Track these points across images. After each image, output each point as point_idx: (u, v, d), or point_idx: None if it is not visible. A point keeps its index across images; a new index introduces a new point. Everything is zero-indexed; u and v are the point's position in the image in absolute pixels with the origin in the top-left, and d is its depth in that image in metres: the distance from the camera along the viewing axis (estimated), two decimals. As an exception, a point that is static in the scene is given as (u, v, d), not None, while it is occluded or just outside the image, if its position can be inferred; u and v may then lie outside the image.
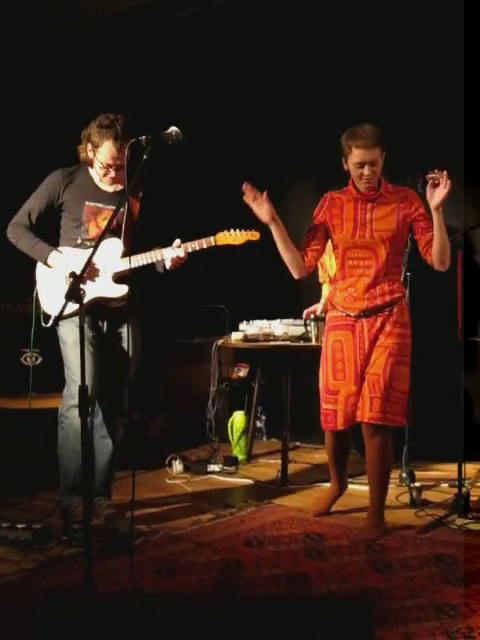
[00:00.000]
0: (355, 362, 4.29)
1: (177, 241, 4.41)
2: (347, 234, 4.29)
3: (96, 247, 3.27)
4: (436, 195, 4.05)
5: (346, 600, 3.43)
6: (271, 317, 6.05)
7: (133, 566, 3.55)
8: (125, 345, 4.50)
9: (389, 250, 4.27)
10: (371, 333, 4.27)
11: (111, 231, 4.32)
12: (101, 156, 4.41)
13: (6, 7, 6.22)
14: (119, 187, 4.54)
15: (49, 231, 4.56)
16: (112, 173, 4.44)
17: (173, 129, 3.67)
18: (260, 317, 6.12)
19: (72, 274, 3.14)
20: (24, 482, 4.87)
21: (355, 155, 4.19)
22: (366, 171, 4.20)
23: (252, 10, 6.51)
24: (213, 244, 4.39)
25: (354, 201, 4.32)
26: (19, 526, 4.21)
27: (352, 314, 4.30)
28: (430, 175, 4.06)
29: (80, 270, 3.27)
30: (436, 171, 4.05)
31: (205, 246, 4.40)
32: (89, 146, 4.45)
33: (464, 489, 4.64)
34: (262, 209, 4.22)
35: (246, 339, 6.05)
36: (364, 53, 6.21)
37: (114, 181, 4.49)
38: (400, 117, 5.98)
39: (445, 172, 4.03)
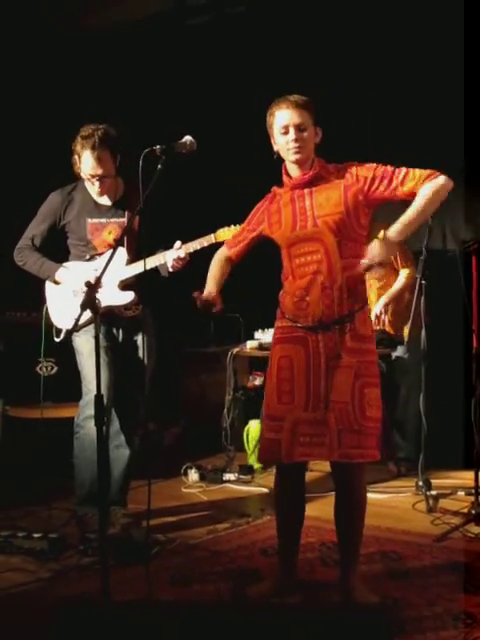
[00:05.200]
0: (307, 384, 3.44)
1: (178, 243, 4.44)
2: (286, 228, 3.53)
3: (110, 258, 3.28)
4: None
5: (364, 609, 3.43)
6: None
7: (149, 575, 3.54)
8: (140, 354, 4.52)
9: (340, 237, 3.44)
10: (329, 348, 3.43)
11: (116, 241, 4.38)
12: (84, 166, 4.46)
13: (12, 18, 6.28)
14: (117, 196, 4.60)
15: (56, 249, 4.60)
16: (97, 184, 4.48)
17: (187, 138, 3.61)
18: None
19: (87, 283, 3.15)
20: (41, 491, 4.87)
21: (278, 118, 3.51)
22: (292, 135, 3.47)
23: (260, 20, 6.56)
24: (213, 241, 4.41)
25: (291, 191, 3.57)
26: (35, 535, 4.23)
27: (302, 324, 3.48)
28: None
29: (94, 280, 3.28)
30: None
31: (205, 244, 4.41)
32: (75, 158, 4.50)
33: (481, 497, 4.63)
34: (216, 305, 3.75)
35: (261, 347, 6.05)
36: (370, 60, 6.25)
37: (102, 192, 4.53)
38: (402, 121, 6.05)
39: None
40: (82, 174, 4.50)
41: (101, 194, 4.54)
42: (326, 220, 3.46)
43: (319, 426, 3.41)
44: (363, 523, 3.59)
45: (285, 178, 3.60)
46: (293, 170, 3.56)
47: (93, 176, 4.45)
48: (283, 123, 3.49)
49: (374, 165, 3.50)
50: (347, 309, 3.45)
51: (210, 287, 3.82)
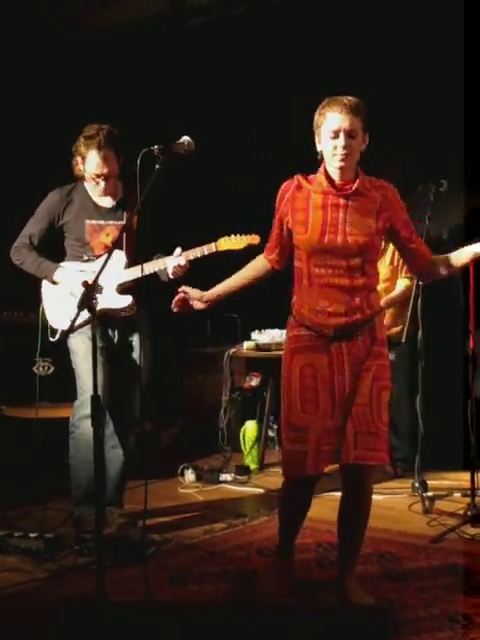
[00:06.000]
0: (332, 392, 3.40)
1: (178, 250, 4.43)
2: (313, 236, 3.40)
3: (108, 258, 3.28)
4: None
5: (360, 611, 3.43)
6: (283, 326, 6.02)
7: (146, 575, 3.54)
8: (136, 355, 4.52)
9: (364, 258, 3.41)
10: (352, 355, 3.40)
11: (113, 243, 4.38)
12: (88, 167, 4.45)
13: (12, 18, 6.28)
14: (116, 199, 4.59)
15: (52, 250, 4.59)
16: (102, 184, 4.47)
17: (185, 139, 3.61)
18: (272, 326, 6.11)
19: (84, 283, 3.15)
20: (37, 491, 4.87)
21: (329, 120, 3.36)
22: (341, 141, 3.34)
23: (260, 21, 6.57)
24: (214, 250, 4.42)
25: (323, 194, 3.43)
26: (31, 535, 4.22)
27: (326, 333, 3.42)
28: None
29: (92, 281, 3.28)
30: None
31: (206, 253, 4.41)
32: (79, 159, 4.49)
33: (477, 498, 4.63)
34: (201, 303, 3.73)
35: (258, 348, 6.06)
36: (370, 60, 6.26)
37: (106, 192, 4.52)
38: (402, 121, 6.12)
39: None
40: (86, 174, 4.48)
41: (105, 194, 4.53)
42: (357, 240, 3.39)
43: (340, 432, 3.39)
44: (366, 526, 3.59)
45: (322, 177, 3.44)
46: (334, 174, 3.43)
47: (98, 176, 4.44)
48: (334, 127, 3.35)
49: (405, 206, 3.51)
50: (370, 315, 3.44)
51: (216, 290, 3.75)
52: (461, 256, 3.46)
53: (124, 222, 4.48)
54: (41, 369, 5.57)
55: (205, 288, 3.79)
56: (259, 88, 6.78)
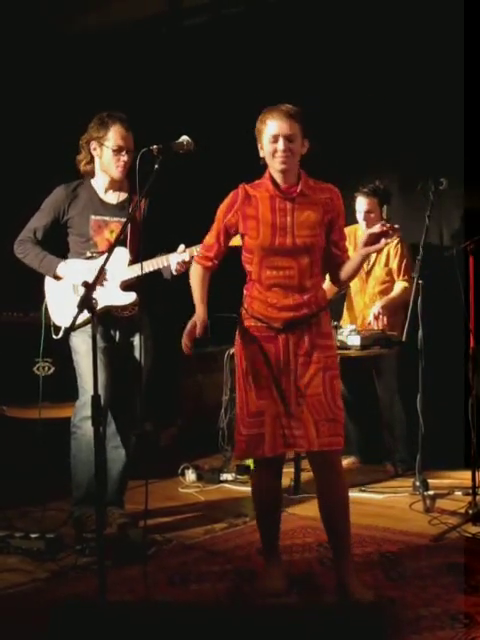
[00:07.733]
0: (279, 380, 3.60)
1: (181, 246, 4.43)
2: (264, 240, 3.60)
3: (108, 256, 3.28)
4: (373, 244, 3.53)
5: (359, 609, 3.43)
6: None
7: (146, 575, 3.54)
8: (137, 355, 4.51)
9: (312, 257, 3.62)
10: (298, 346, 3.60)
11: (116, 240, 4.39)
12: (111, 142, 4.45)
13: (12, 17, 6.29)
14: (122, 196, 4.59)
15: (55, 247, 4.59)
16: (125, 157, 4.47)
17: (184, 138, 3.69)
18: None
19: (84, 283, 3.15)
20: (38, 492, 4.87)
21: (269, 126, 3.57)
22: (281, 145, 3.54)
23: (257, 20, 6.59)
24: None
25: (270, 199, 3.63)
26: (32, 536, 4.22)
27: (275, 326, 3.62)
28: (385, 227, 3.48)
29: (92, 279, 3.28)
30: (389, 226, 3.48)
31: None
32: (93, 145, 4.49)
33: (478, 497, 4.63)
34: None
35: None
36: (370, 60, 6.25)
37: (125, 169, 4.50)
38: (402, 121, 6.12)
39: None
40: (106, 153, 4.47)
41: (123, 172, 4.51)
42: (305, 240, 3.61)
43: (296, 419, 3.58)
44: (349, 512, 3.66)
45: (268, 183, 3.65)
46: (278, 177, 3.65)
47: (121, 148, 4.45)
48: (273, 132, 3.56)
49: (343, 219, 3.74)
50: (316, 310, 3.65)
51: (202, 314, 3.92)
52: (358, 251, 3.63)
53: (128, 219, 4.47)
54: (42, 370, 5.58)
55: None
56: (258, 87, 6.77)
